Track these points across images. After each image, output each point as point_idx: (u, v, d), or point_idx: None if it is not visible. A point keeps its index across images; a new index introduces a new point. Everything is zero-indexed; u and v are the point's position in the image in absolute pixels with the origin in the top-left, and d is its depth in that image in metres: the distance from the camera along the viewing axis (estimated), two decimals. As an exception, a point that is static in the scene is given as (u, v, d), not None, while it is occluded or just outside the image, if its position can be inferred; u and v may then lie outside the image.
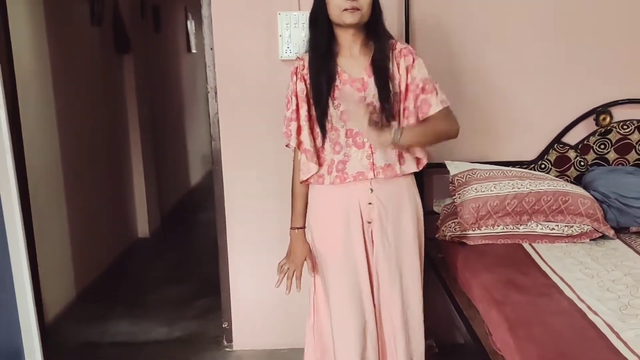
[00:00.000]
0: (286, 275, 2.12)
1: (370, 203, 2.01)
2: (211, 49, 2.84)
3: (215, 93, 2.86)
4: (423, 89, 2.00)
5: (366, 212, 2.02)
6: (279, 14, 2.72)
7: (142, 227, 5.13)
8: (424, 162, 2.10)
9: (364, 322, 2.05)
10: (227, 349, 3.07)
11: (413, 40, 2.79)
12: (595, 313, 1.84)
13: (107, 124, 4.51)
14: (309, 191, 2.10)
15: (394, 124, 2.00)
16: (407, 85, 2.02)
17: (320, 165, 2.03)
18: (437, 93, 2.01)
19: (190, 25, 7.12)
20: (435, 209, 2.86)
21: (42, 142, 3.45)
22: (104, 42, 4.45)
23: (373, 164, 1.99)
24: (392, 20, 2.74)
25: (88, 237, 4.02)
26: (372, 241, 2.04)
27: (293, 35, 2.72)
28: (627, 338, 1.68)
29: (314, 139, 2.02)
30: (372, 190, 2.01)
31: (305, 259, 2.12)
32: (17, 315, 2.18)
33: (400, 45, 2.04)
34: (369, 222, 2.02)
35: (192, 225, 5.53)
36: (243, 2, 2.78)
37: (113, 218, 4.58)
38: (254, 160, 2.89)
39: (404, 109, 2.02)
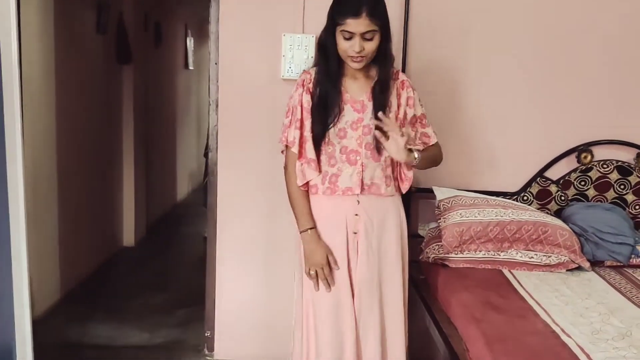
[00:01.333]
0: (318, 278, 2.11)
1: (356, 214, 2.12)
2: (216, 63, 2.94)
3: (217, 106, 2.96)
4: (422, 123, 2.24)
5: (352, 223, 2.12)
6: (284, 35, 2.84)
7: (128, 236, 5.17)
8: (406, 186, 2.20)
9: (341, 333, 2.11)
10: (208, 358, 3.11)
11: (408, 71, 2.91)
12: (568, 335, 1.93)
13: (103, 132, 4.58)
14: None
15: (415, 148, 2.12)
16: (405, 115, 2.16)
17: (319, 173, 2.13)
18: (430, 127, 2.25)
19: (190, 42, 7.25)
20: (420, 232, 2.96)
21: (39, 143, 3.51)
22: (107, 52, 4.55)
23: (362, 181, 2.11)
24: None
25: (76, 241, 4.06)
26: (357, 251, 2.12)
27: (296, 56, 2.83)
28: (596, 359, 1.77)
29: (315, 149, 2.13)
30: (359, 202, 2.12)
31: (328, 256, 2.10)
32: (12, 312, 2.23)
33: (402, 76, 2.19)
34: (355, 233, 2.12)
35: (176, 237, 5.58)
36: (250, 22, 2.89)
37: (101, 225, 4.62)
38: (249, 173, 2.98)
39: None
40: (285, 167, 2.19)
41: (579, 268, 2.62)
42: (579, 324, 2.04)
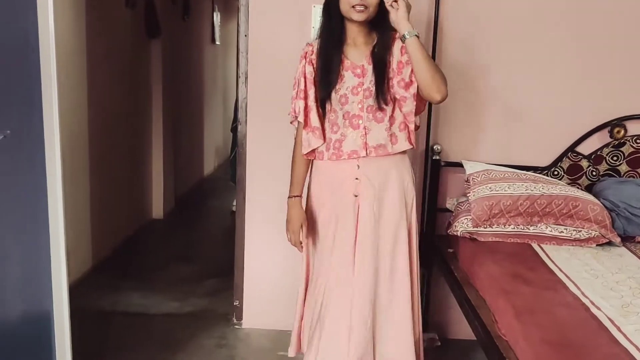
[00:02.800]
0: (292, 243, 2.28)
1: (357, 178, 2.16)
2: (245, 35, 2.95)
3: (246, 78, 2.97)
4: None
5: (352, 187, 2.16)
6: (314, 6, 2.83)
7: (157, 209, 5.24)
8: (414, 140, 2.20)
9: (351, 293, 2.15)
10: (237, 327, 3.17)
11: (440, 38, 2.89)
12: (598, 308, 1.94)
13: (132, 106, 4.62)
14: (312, 166, 2.28)
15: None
16: (399, 62, 2.13)
17: (324, 140, 2.19)
18: None
19: (216, 17, 7.25)
20: (449, 206, 2.96)
21: (72, 118, 3.56)
22: (136, 26, 4.58)
23: (366, 143, 2.14)
24: (421, 18, 2.86)
25: (107, 212, 4.13)
26: (358, 215, 2.16)
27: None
28: (627, 331, 1.77)
29: (320, 117, 2.18)
30: (358, 166, 2.16)
31: (302, 226, 2.25)
32: (50, 281, 2.29)
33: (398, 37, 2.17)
34: (356, 196, 2.16)
35: (204, 210, 5.65)
36: (280, -6, 2.89)
37: (131, 197, 4.69)
38: (278, 147, 2.99)
39: (399, 82, 2.12)
40: (295, 137, 2.27)
41: (610, 243, 2.61)
42: (609, 297, 2.03)
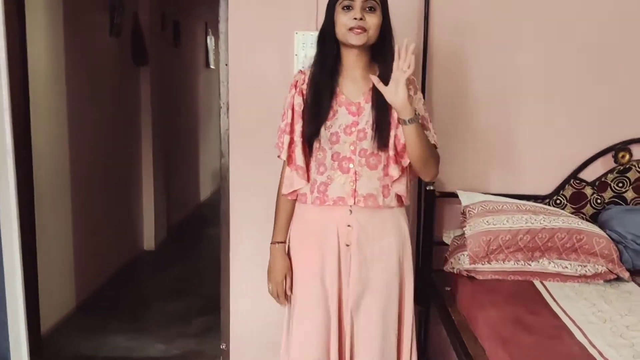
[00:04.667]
0: (274, 295, 2.09)
1: (349, 225, 1.95)
2: (226, 64, 2.81)
3: (228, 109, 2.83)
4: (423, 125, 1.96)
5: (344, 235, 1.95)
6: (296, 33, 2.69)
7: (149, 240, 5.10)
8: (406, 201, 2.02)
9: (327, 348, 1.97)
10: (224, 371, 3.00)
11: (430, 67, 2.74)
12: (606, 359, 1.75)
13: (120, 135, 4.50)
14: (296, 208, 2.06)
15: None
16: None
17: (307, 182, 1.99)
18: (431, 131, 2.02)
19: (210, 41, 7.16)
20: (445, 239, 2.78)
21: (51, 151, 3.43)
22: (122, 54, 4.47)
23: (355, 190, 1.94)
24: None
25: (92, 248, 3.99)
26: (350, 266, 1.95)
27: (309, 54, 2.67)
28: (640, 389, 1.59)
29: (305, 156, 1.98)
30: (351, 212, 1.94)
31: (285, 276, 2.04)
32: (6, 324, 2.12)
33: None
34: (347, 245, 1.95)
35: (198, 240, 5.49)
36: (261, 21, 2.75)
37: (119, 229, 4.55)
38: (261, 179, 2.81)
39: (396, 136, 1.94)
40: (281, 173, 2.08)
41: (618, 279, 2.42)
42: (618, 345, 1.84)
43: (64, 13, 3.51)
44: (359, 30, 1.85)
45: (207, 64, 7.11)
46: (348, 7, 1.86)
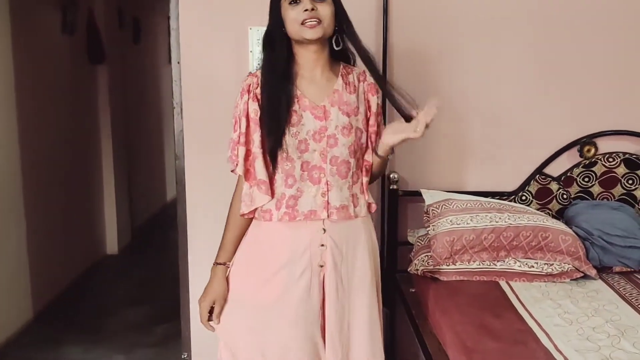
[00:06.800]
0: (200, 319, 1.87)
1: (322, 245, 1.77)
2: (178, 62, 2.69)
3: (181, 109, 2.70)
4: (377, 123, 1.90)
5: (317, 255, 1.76)
6: (250, 29, 2.58)
7: (111, 244, 4.94)
8: (374, 206, 1.91)
9: None
10: (185, 382, 2.88)
11: (390, 63, 2.65)
12: (572, 366, 1.69)
13: (76, 135, 4.33)
14: (252, 227, 1.85)
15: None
16: (369, 121, 1.87)
17: (272, 197, 1.79)
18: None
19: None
20: (410, 239, 2.70)
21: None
22: (76, 52, 4.30)
23: (328, 202, 1.77)
24: (368, 45, 2.61)
25: (49, 254, 3.83)
26: (324, 289, 1.79)
27: (264, 51, 2.57)
28: (606, 397, 1.53)
29: (267, 168, 1.78)
30: (324, 230, 1.77)
31: (215, 303, 1.83)
32: None
33: (369, 79, 1.86)
34: (321, 266, 1.78)
35: (163, 242, 5.31)
36: (213, 17, 2.63)
37: (79, 234, 4.38)
38: (218, 181, 2.70)
39: (372, 134, 1.87)
40: (235, 190, 1.86)
41: (585, 277, 2.36)
42: (585, 349, 1.79)
43: (10, 10, 3.34)
44: (314, 23, 1.69)
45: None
46: (295, 1, 1.70)
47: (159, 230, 5.70)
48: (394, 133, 1.76)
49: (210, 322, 1.87)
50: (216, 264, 1.86)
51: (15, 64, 3.40)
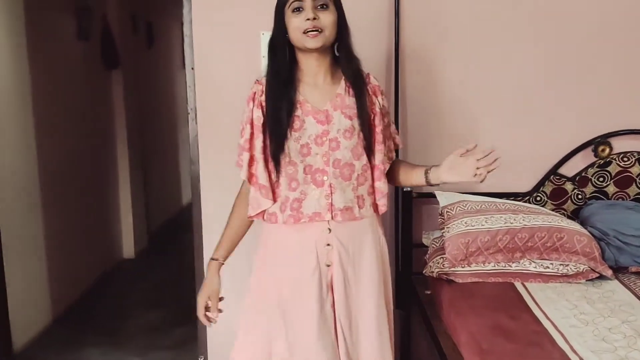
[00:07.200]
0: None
1: (328, 244, 1.81)
2: (192, 68, 2.71)
3: (196, 114, 2.73)
4: (392, 132, 1.99)
5: (324, 255, 1.80)
6: (262, 33, 2.59)
7: (128, 248, 4.98)
8: (383, 208, 1.90)
9: None
10: (202, 384, 2.91)
11: (402, 64, 2.66)
12: (589, 367, 1.69)
13: (92, 141, 4.38)
14: (263, 230, 1.90)
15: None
16: (375, 124, 1.88)
17: (274, 201, 1.83)
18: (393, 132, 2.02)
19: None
20: (425, 241, 2.70)
21: (16, 160, 3.32)
22: (91, 58, 4.35)
23: (332, 204, 1.79)
24: (380, 46, 2.64)
25: (68, 258, 3.88)
26: (331, 287, 1.82)
27: (277, 56, 2.58)
28: (623, 398, 1.53)
29: (269, 173, 1.82)
30: (330, 230, 1.81)
31: (209, 299, 1.93)
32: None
33: (373, 80, 1.90)
34: (328, 266, 1.81)
35: (180, 246, 5.35)
36: (226, 22, 2.65)
37: (97, 239, 4.44)
38: (233, 185, 2.70)
39: (377, 140, 1.88)
40: (239, 192, 1.94)
41: (601, 277, 2.35)
42: (601, 350, 1.78)
43: (25, 18, 3.39)
44: (315, 32, 1.72)
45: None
46: (298, 9, 1.73)
47: (175, 234, 5.74)
48: (451, 168, 1.82)
49: (207, 314, 1.97)
50: (211, 259, 1.95)
51: (31, 70, 3.45)
